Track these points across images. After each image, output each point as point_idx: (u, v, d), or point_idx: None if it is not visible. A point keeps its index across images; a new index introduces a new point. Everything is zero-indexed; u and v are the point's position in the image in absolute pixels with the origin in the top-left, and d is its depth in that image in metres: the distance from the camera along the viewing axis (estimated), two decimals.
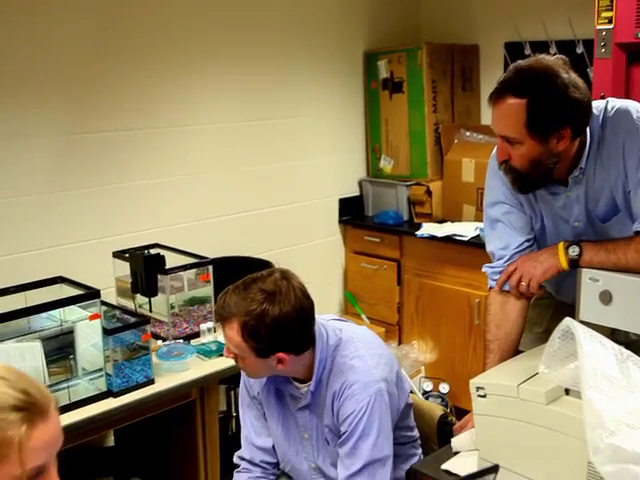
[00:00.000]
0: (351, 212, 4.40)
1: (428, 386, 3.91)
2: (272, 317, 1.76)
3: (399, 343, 4.17)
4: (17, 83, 2.98)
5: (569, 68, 1.85)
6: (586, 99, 1.84)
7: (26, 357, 2.39)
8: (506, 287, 2.08)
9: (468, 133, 4.13)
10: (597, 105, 1.94)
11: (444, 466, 1.84)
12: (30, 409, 1.18)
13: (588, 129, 1.91)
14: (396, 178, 4.30)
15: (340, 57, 4.23)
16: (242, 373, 2.08)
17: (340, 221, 4.39)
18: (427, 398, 3.75)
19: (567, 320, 1.63)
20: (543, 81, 1.82)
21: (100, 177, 3.29)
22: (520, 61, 1.90)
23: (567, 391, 1.67)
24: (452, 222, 4.01)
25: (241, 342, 1.80)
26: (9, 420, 1.15)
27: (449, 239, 3.81)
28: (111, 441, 3.30)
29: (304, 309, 1.81)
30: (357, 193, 4.46)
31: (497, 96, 1.86)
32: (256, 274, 1.85)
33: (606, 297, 1.88)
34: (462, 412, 2.42)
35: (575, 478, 1.58)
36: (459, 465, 1.82)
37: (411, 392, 2.14)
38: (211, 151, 3.71)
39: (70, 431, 2.30)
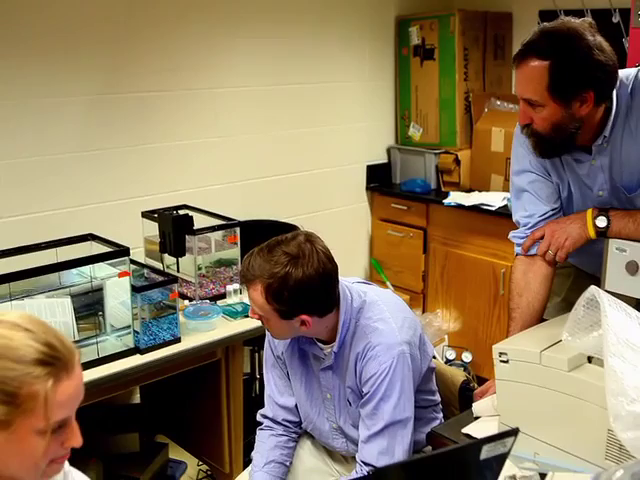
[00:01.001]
0: (379, 179, 4.40)
1: (451, 355, 3.93)
2: (295, 280, 1.78)
3: (423, 311, 4.19)
4: (49, 44, 3.00)
5: (595, 31, 1.82)
6: (611, 62, 1.81)
7: (56, 312, 2.44)
8: (532, 251, 2.08)
9: (499, 102, 4.09)
10: (627, 73, 1.92)
11: (464, 430, 1.87)
12: (55, 363, 1.20)
13: (615, 97, 1.89)
14: (425, 146, 4.29)
15: (371, 23, 4.20)
16: (267, 333, 2.11)
17: (367, 188, 4.39)
18: (450, 367, 3.77)
19: (592, 288, 1.63)
20: (567, 43, 1.79)
21: (131, 137, 3.33)
22: (546, 23, 1.88)
23: (590, 359, 1.68)
24: (480, 192, 3.99)
25: (265, 304, 1.83)
26: (35, 374, 1.18)
27: (476, 208, 3.80)
28: (137, 399, 3.37)
29: (327, 272, 1.83)
30: (385, 160, 4.45)
31: (520, 58, 1.85)
32: (281, 237, 1.86)
33: (633, 267, 1.88)
34: (484, 381, 2.44)
35: (595, 445, 1.60)
36: (479, 429, 1.84)
37: (433, 357, 2.15)
38: (241, 114, 3.72)
39: (97, 385, 2.36)
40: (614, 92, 1.88)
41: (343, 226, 4.27)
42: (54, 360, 1.20)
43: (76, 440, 1.27)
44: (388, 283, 4.26)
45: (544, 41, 1.82)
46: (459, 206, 3.87)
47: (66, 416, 1.24)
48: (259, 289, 1.81)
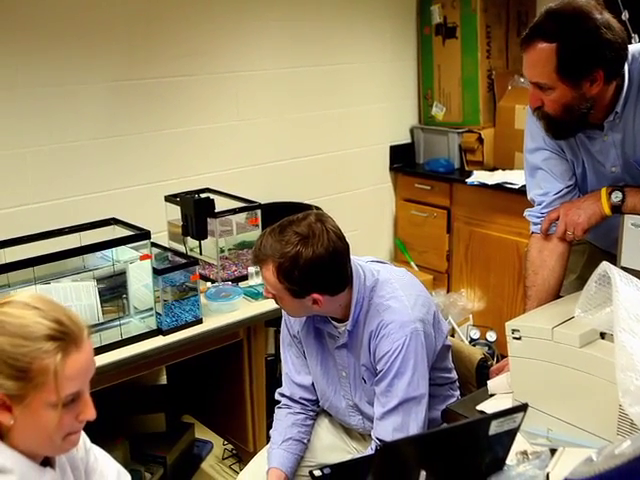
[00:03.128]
0: (402, 159, 4.39)
1: (475, 334, 3.93)
2: (305, 259, 1.80)
3: (448, 291, 4.19)
4: (68, 32, 3.03)
5: (602, 8, 1.79)
6: (619, 40, 1.78)
7: (82, 296, 2.49)
8: (551, 232, 2.08)
9: (522, 79, 4.04)
10: (639, 48, 1.89)
11: (479, 407, 1.88)
12: (64, 338, 1.25)
13: (627, 72, 1.87)
14: (448, 125, 4.27)
15: (393, 2, 4.18)
16: (283, 312, 2.14)
17: (391, 168, 4.39)
18: (474, 346, 3.76)
19: (604, 264, 1.62)
20: (573, 24, 1.77)
21: (153, 122, 3.36)
22: (551, 4, 1.86)
23: (603, 335, 1.68)
24: (503, 170, 3.97)
25: (277, 283, 1.85)
26: (44, 349, 1.23)
27: (500, 187, 3.78)
28: (164, 380, 3.43)
29: (337, 251, 1.84)
30: (408, 140, 4.44)
31: (527, 42, 1.82)
32: (292, 217, 1.88)
33: None
34: None
35: (606, 420, 1.60)
36: (493, 406, 1.85)
37: (452, 336, 2.16)
38: (262, 97, 3.74)
39: (121, 366, 2.41)
40: (625, 67, 1.86)
41: (367, 207, 4.28)
42: (63, 335, 1.25)
43: (90, 413, 1.32)
44: (413, 264, 4.27)
45: (550, 23, 1.80)
46: (482, 185, 3.85)
47: (77, 389, 1.28)
48: (271, 269, 1.84)
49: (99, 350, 2.34)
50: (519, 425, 1.44)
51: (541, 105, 1.90)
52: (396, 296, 1.94)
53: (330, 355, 2.06)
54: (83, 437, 1.47)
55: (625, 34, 1.81)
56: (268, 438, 2.32)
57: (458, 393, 2.16)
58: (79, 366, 1.27)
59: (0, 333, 1.24)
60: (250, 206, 3.08)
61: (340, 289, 1.90)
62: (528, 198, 2.17)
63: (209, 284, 2.92)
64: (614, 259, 1.88)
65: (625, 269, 1.73)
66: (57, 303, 1.31)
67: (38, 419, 1.26)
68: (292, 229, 1.83)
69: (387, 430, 1.91)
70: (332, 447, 2.19)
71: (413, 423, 1.90)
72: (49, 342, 1.24)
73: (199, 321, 2.64)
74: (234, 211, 3.03)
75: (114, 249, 2.52)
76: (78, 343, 1.27)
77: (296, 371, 2.16)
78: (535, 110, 1.93)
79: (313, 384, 2.15)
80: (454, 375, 2.16)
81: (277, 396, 2.21)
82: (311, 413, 2.18)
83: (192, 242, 3.05)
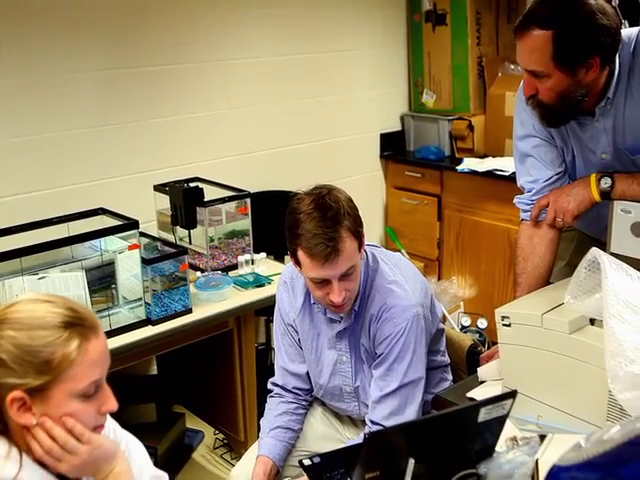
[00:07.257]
0: (392, 147, 4.38)
1: (466, 321, 3.92)
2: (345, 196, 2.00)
3: (439, 279, 4.19)
4: (58, 20, 3.00)
5: None
6: (614, 25, 1.77)
7: (70, 286, 2.48)
8: (540, 219, 2.07)
9: (512, 66, 4.03)
10: (629, 33, 1.88)
11: (469, 394, 1.88)
12: (82, 324, 1.24)
13: (618, 58, 1.85)
14: (438, 112, 4.25)
15: None
16: (277, 301, 2.13)
17: (381, 156, 4.38)
18: (465, 333, 3.77)
19: (594, 250, 1.62)
20: (569, 10, 1.75)
21: (142, 112, 3.33)
22: None
23: (592, 321, 1.67)
24: (494, 157, 3.96)
25: (355, 253, 1.87)
26: (64, 337, 1.21)
27: (490, 174, 3.77)
28: (154, 370, 3.42)
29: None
30: (399, 128, 4.43)
31: (522, 29, 1.80)
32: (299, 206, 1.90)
33: (638, 229, 1.86)
34: None
35: (596, 406, 1.60)
36: (484, 393, 1.85)
37: (442, 322, 2.16)
38: (252, 85, 3.71)
39: (111, 357, 2.39)
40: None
41: (357, 195, 4.15)
42: (80, 321, 1.24)
43: (112, 404, 1.30)
44: (403, 251, 4.26)
45: (545, 10, 1.78)
46: (473, 172, 3.84)
47: (100, 376, 1.27)
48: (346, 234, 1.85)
49: None
50: (508, 412, 1.43)
51: (535, 93, 1.87)
52: (397, 280, 1.95)
53: (328, 342, 2.05)
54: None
55: (619, 19, 1.80)
56: (259, 427, 2.32)
57: (451, 377, 2.16)
58: (100, 351, 1.26)
59: (17, 328, 1.22)
60: (240, 195, 3.06)
61: None
62: (518, 185, 2.17)
63: (199, 273, 2.91)
64: (603, 246, 1.87)
65: (614, 255, 1.72)
66: (65, 296, 1.30)
67: (61, 414, 1.24)
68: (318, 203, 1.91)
69: (384, 413, 1.91)
70: (325, 437, 2.18)
71: (410, 407, 1.91)
72: (68, 330, 1.22)
73: (189, 311, 2.63)
74: (224, 200, 3.02)
75: (102, 239, 2.50)
76: (95, 329, 1.26)
77: (290, 360, 2.14)
78: (529, 99, 1.91)
79: (307, 373, 2.14)
80: (447, 359, 2.16)
81: (269, 385, 2.20)
82: (304, 402, 2.17)
83: (181, 231, 3.03)
